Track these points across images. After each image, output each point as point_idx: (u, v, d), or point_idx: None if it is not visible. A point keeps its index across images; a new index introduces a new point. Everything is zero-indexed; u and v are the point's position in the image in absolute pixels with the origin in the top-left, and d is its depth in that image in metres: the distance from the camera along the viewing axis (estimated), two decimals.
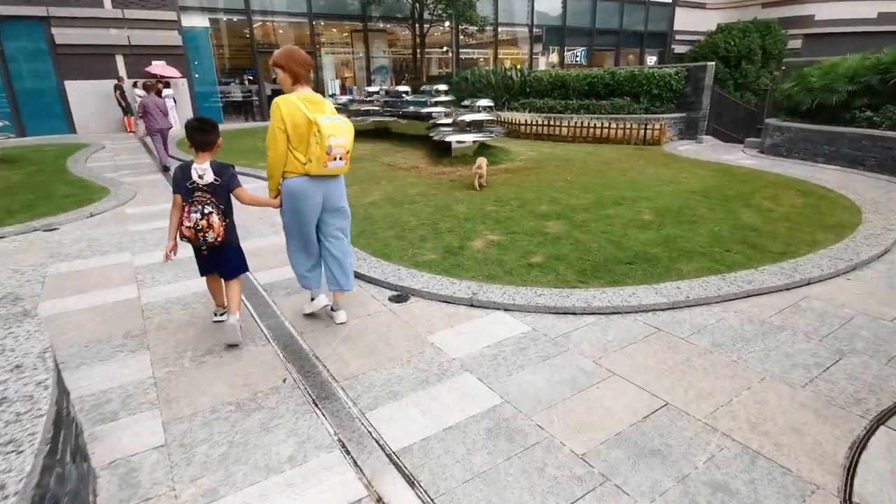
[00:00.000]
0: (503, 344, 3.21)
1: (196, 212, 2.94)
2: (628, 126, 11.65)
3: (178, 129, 17.36)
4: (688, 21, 30.43)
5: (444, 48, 24.95)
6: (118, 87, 17.11)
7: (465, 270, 4.29)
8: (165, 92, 18.04)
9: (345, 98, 14.49)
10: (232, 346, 3.21)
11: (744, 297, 3.81)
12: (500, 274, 4.20)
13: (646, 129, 11.53)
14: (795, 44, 28.79)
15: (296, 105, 2.96)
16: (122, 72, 17.67)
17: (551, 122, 12.43)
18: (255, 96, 20.63)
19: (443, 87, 11.34)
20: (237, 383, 2.83)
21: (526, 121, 12.78)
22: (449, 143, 9.36)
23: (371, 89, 13.74)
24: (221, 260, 3.23)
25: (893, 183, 7.51)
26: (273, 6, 19.92)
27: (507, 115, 13.63)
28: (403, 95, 12.55)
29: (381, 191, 7.36)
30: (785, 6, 29.80)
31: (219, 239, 3.01)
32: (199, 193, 2.97)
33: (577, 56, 28.14)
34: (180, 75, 18.31)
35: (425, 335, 3.34)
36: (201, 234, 2.95)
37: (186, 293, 4.06)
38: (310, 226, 3.27)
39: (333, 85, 22.52)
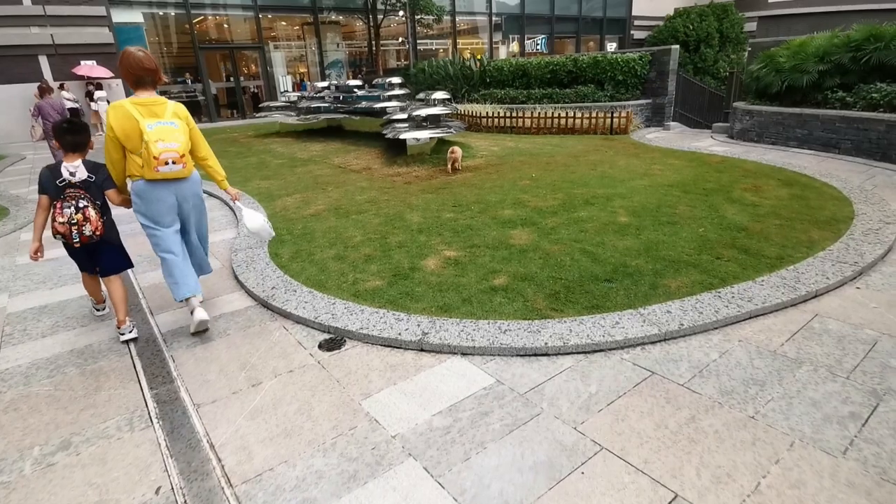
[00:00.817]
0: (459, 407, 2.50)
1: (69, 207, 2.94)
2: (594, 115, 11.10)
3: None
4: (646, 6, 30.29)
5: (401, 39, 24.02)
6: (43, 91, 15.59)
7: (414, 300, 3.55)
8: (98, 94, 16.65)
9: (295, 95, 13.48)
10: (99, 436, 2.40)
11: (746, 320, 3.20)
12: (456, 303, 3.48)
13: (612, 117, 11.00)
14: (750, 27, 29.01)
15: (126, 111, 2.94)
16: (48, 74, 16.17)
17: (513, 114, 11.78)
18: (200, 95, 19.31)
19: (396, 79, 10.52)
20: (89, 500, 2.02)
21: (487, 113, 12.09)
22: (404, 142, 8.57)
23: (321, 84, 12.80)
24: (100, 254, 3.23)
25: (873, 167, 7.12)
26: None
27: (466, 107, 12.90)
28: (355, 90, 11.67)
29: (326, 199, 6.54)
30: None
31: (97, 233, 3.04)
32: (72, 190, 2.99)
33: (537, 44, 27.63)
34: (112, 75, 16.90)
35: (360, 400, 2.60)
36: (76, 227, 2.95)
37: (61, 350, 3.20)
38: (165, 225, 3.20)
39: (285, 81, 21.35)
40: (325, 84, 12.81)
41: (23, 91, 15.58)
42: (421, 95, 9.75)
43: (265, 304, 3.68)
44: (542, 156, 8.80)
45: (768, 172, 6.91)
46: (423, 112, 8.77)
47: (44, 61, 16.17)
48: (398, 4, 18.76)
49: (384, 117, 9.88)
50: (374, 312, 3.38)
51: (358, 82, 12.00)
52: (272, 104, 13.81)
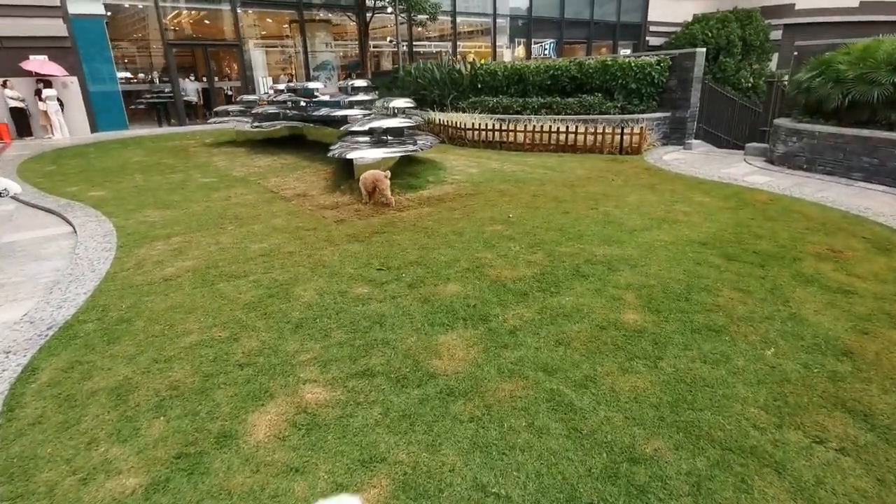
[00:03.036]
0: None
1: None
2: (600, 130, 9.11)
3: (65, 140, 14.32)
4: (663, 12, 28.30)
5: (389, 39, 22.18)
6: None
7: None
8: (46, 92, 14.91)
9: (253, 97, 11.64)
10: None
11: None
12: None
13: (622, 133, 9.00)
14: (776, 34, 26.97)
15: None
16: None
17: (504, 126, 9.81)
18: (168, 96, 17.55)
19: (361, 82, 8.62)
20: None
21: (473, 124, 10.13)
22: (351, 161, 6.64)
23: (279, 86, 10.93)
24: None
25: None
26: None
27: (449, 117, 10.95)
28: (315, 93, 9.77)
29: (211, 246, 4.60)
30: None
31: None
32: None
33: (545, 49, 25.68)
34: (65, 73, 15.16)
35: None
36: None
37: None
38: None
39: (265, 83, 19.55)
40: (282, 86, 10.95)
41: None
42: (379, 103, 7.82)
43: None
44: (530, 183, 6.81)
45: (843, 223, 4.87)
46: (379, 123, 6.83)
47: None
48: (388, 1, 16.90)
49: (343, 127, 7.98)
50: None
51: (319, 85, 10.11)
52: (229, 108, 11.96)
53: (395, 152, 6.65)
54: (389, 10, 16.95)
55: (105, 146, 12.23)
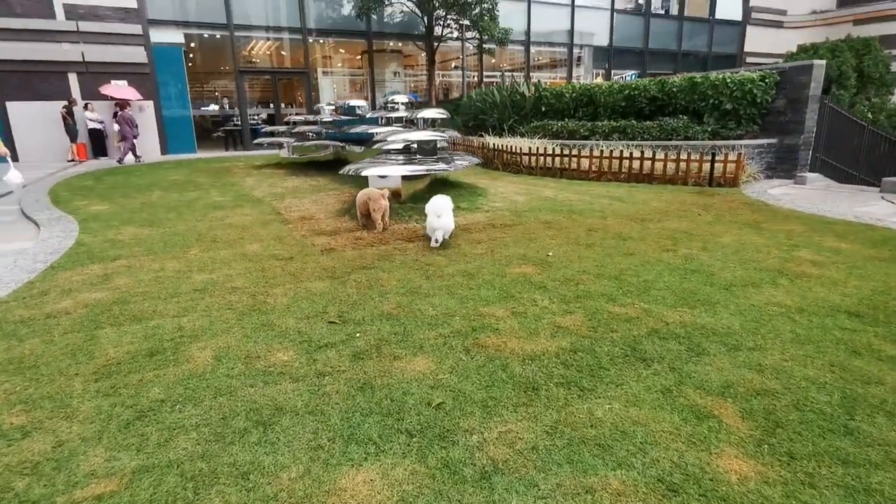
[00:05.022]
0: None
1: None
2: (683, 157, 7.41)
3: (133, 160, 14.64)
4: (762, 41, 25.78)
5: (453, 65, 21.54)
6: (67, 110, 14.60)
7: None
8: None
9: (300, 117, 11.09)
10: None
11: None
12: None
13: (713, 161, 7.25)
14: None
15: None
16: (76, 92, 15.25)
17: (565, 151, 8.37)
18: (237, 121, 17.80)
19: (402, 97, 7.60)
20: None
21: (529, 149, 8.77)
22: (366, 180, 5.53)
23: (327, 107, 10.24)
24: None
25: None
26: (260, 20, 17.27)
27: (503, 141, 9.67)
28: (357, 111, 8.93)
29: (148, 273, 3.55)
30: (883, 22, 24.76)
31: None
32: None
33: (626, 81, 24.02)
34: (140, 97, 15.69)
35: None
36: None
37: None
38: None
39: (329, 110, 19.45)
40: (330, 106, 10.25)
41: (48, 109, 14.67)
42: (404, 114, 6.71)
43: None
44: (588, 215, 5.30)
45: None
46: (405, 136, 5.69)
47: (73, 79, 15.28)
48: (455, 26, 16.21)
49: (377, 145, 6.96)
50: None
51: (362, 103, 9.27)
52: (276, 128, 11.49)
53: (418, 170, 5.44)
54: (456, 34, 16.26)
55: (158, 166, 12.16)
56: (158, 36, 16.42)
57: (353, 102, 9.14)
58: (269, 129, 11.40)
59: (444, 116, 6.07)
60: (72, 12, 15.05)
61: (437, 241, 4.05)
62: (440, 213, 4.02)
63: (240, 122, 17.83)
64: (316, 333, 2.53)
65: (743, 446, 1.62)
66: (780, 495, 1.41)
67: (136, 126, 13.89)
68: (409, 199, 5.69)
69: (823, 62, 7.91)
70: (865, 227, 4.69)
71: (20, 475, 1.56)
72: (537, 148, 8.81)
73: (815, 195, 6.79)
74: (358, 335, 2.50)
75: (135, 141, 13.70)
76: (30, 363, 2.29)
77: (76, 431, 1.78)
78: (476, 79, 20.54)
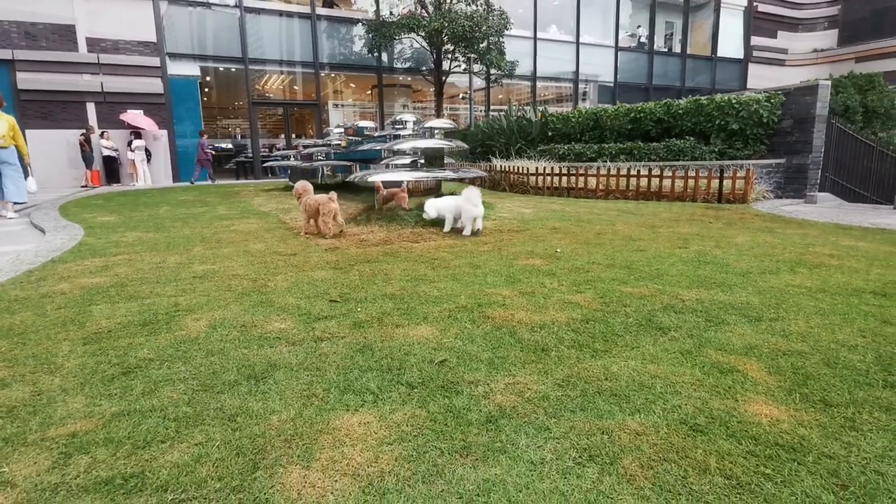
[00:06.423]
0: None
1: None
2: (692, 174, 7.38)
3: (146, 185, 14.86)
4: (764, 78, 26.23)
5: (462, 96, 21.97)
6: (85, 137, 14.94)
7: None
8: (136, 143, 15.80)
9: (309, 141, 11.25)
10: None
11: None
12: None
13: (721, 177, 7.20)
14: None
15: None
16: (94, 120, 15.66)
17: (572, 171, 8.37)
18: (248, 151, 18.13)
19: (409, 116, 7.68)
20: None
21: (536, 169, 8.79)
22: (372, 187, 5.52)
23: (332, 128, 10.40)
24: None
25: None
26: (274, 54, 17.82)
27: (510, 163, 9.73)
28: (365, 132, 9.04)
29: (148, 264, 3.48)
30: (886, 59, 25.12)
31: None
32: None
33: None
34: (156, 126, 16.08)
35: None
36: None
37: None
38: None
39: (335, 134, 19.81)
40: (339, 128, 10.41)
41: (65, 137, 15.04)
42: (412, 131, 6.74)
43: None
44: (596, 223, 5.22)
45: None
46: (412, 144, 5.72)
47: (91, 108, 15.73)
48: (462, 58, 16.62)
49: (384, 161, 7.00)
50: None
51: (371, 124, 9.40)
52: (288, 152, 11.64)
53: (425, 177, 5.43)
54: (464, 67, 16.66)
55: (169, 190, 12.30)
56: (175, 68, 16.95)
57: (362, 123, 9.27)
58: (280, 153, 11.55)
59: (451, 126, 6.09)
60: (94, 45, 15.61)
61: (477, 229, 4.56)
62: (476, 202, 4.42)
63: (251, 154, 18.16)
64: (316, 309, 2.44)
65: (772, 395, 1.49)
66: (819, 436, 1.28)
67: (209, 150, 15.39)
68: (416, 208, 5.66)
69: (829, 82, 7.96)
70: (881, 231, 4.57)
71: None
72: (544, 168, 8.84)
73: (827, 212, 6.69)
74: (360, 310, 2.40)
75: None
76: (19, 331, 2.20)
77: (57, 383, 1.68)
78: (482, 111, 20.93)
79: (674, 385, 1.55)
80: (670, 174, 7.55)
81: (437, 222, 4.89)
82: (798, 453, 1.22)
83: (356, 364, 1.78)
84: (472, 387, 1.58)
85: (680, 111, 8.92)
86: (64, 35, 15.31)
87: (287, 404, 1.50)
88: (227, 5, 17.48)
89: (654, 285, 2.71)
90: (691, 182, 7.37)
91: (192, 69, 17.25)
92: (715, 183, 7.24)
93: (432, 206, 4.67)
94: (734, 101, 8.28)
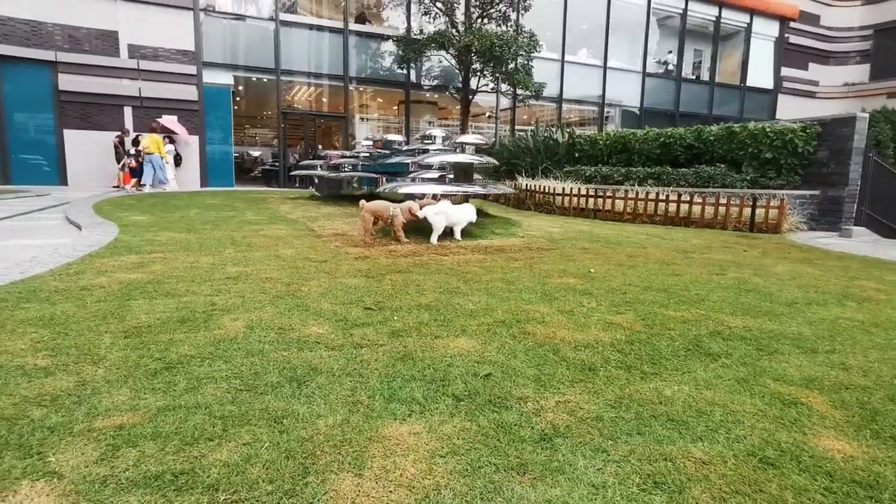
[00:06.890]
0: None
1: None
2: (723, 201, 7.27)
3: (173, 188, 15.17)
4: (793, 110, 25.92)
5: (488, 115, 22.13)
6: (120, 139, 15.33)
7: None
8: (167, 148, 16.18)
9: (336, 152, 11.39)
10: None
11: None
12: None
13: (754, 206, 7.08)
14: None
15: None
16: (130, 124, 16.10)
17: (600, 192, 8.32)
18: (273, 163, 18.45)
19: (439, 131, 7.73)
20: None
21: (563, 189, 8.75)
22: (401, 200, 5.52)
23: (360, 140, 10.52)
24: None
25: None
26: (304, 66, 18.19)
27: (536, 182, 9.71)
28: (394, 145, 9.13)
29: (182, 263, 3.52)
30: None
31: None
32: None
33: None
34: (187, 132, 16.46)
35: None
36: None
37: None
38: None
39: (363, 146, 20.06)
40: (368, 141, 10.54)
41: (101, 138, 15.47)
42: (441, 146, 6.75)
43: None
44: (626, 245, 5.15)
45: None
46: (441, 158, 5.74)
47: (128, 112, 16.19)
48: (490, 77, 16.77)
49: (411, 174, 7.04)
50: None
51: (400, 137, 9.49)
52: (315, 162, 11.80)
53: (453, 190, 5.42)
54: (492, 86, 16.80)
55: (197, 194, 12.54)
56: (210, 77, 17.38)
57: (391, 137, 9.36)
58: (306, 162, 11.72)
59: (482, 142, 6.11)
60: (135, 52, 16.10)
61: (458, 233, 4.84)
62: (455, 209, 4.79)
63: (279, 162, 18.46)
64: (352, 315, 2.42)
65: (841, 430, 1.41)
66: (894, 473, 1.20)
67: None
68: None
69: (867, 115, 7.82)
70: None
71: (38, 406, 1.45)
72: (570, 189, 8.80)
73: (864, 246, 6.51)
74: (393, 319, 2.37)
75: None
76: (60, 321, 2.22)
77: (101, 375, 1.67)
78: (507, 131, 21.03)
79: (734, 413, 1.48)
80: (700, 200, 7.44)
81: (466, 234, 4.90)
82: (875, 490, 1.15)
83: (398, 373, 1.75)
84: (522, 403, 1.53)
85: (711, 137, 8.83)
86: (106, 41, 15.84)
87: (332, 409, 1.47)
88: (263, 18, 17.96)
89: (696, 310, 2.63)
90: (722, 209, 7.25)
91: (226, 78, 17.68)
92: (747, 211, 7.11)
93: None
94: (768, 130, 8.17)
